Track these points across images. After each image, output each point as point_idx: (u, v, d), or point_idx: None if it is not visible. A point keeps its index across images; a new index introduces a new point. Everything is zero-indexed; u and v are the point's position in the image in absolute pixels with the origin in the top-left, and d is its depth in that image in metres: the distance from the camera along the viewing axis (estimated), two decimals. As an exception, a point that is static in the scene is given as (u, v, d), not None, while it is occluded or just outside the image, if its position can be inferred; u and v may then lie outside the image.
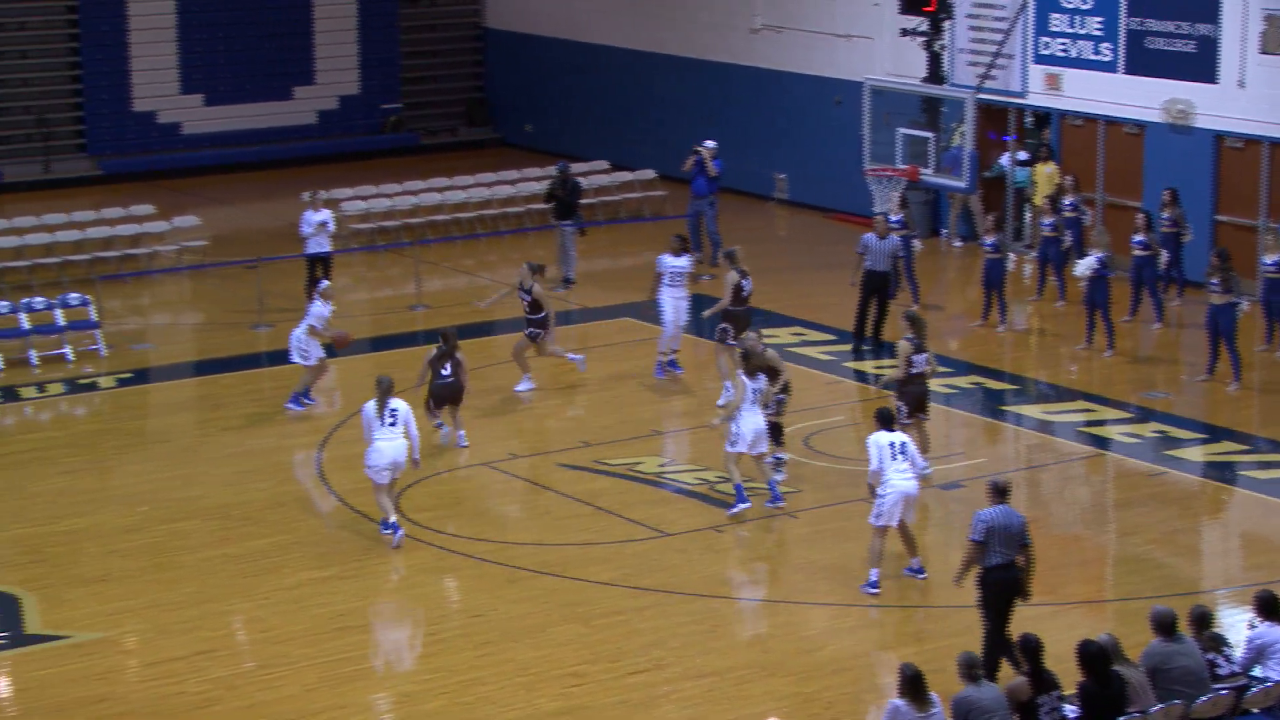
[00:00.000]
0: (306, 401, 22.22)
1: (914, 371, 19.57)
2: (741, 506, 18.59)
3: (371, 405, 18.17)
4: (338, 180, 32.90)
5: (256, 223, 32.36)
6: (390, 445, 18.12)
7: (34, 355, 24.26)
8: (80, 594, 17.12)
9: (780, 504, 18.81)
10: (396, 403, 18.17)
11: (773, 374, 19.23)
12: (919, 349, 19.55)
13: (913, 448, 17.17)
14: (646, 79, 35.88)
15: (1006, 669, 14.47)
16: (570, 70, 37.47)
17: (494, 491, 19.91)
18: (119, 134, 35.98)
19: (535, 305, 22.39)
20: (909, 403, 19.52)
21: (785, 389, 19.52)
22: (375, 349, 25.47)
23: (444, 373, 20.52)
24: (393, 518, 18.22)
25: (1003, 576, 14.81)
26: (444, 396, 20.64)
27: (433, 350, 20.70)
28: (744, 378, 18.62)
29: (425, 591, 17.33)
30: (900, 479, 16.88)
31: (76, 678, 15.46)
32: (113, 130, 35.94)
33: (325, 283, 23.07)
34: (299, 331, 22.04)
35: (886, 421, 17.15)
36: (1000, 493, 14.98)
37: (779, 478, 19.31)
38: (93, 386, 23.53)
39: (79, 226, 29.85)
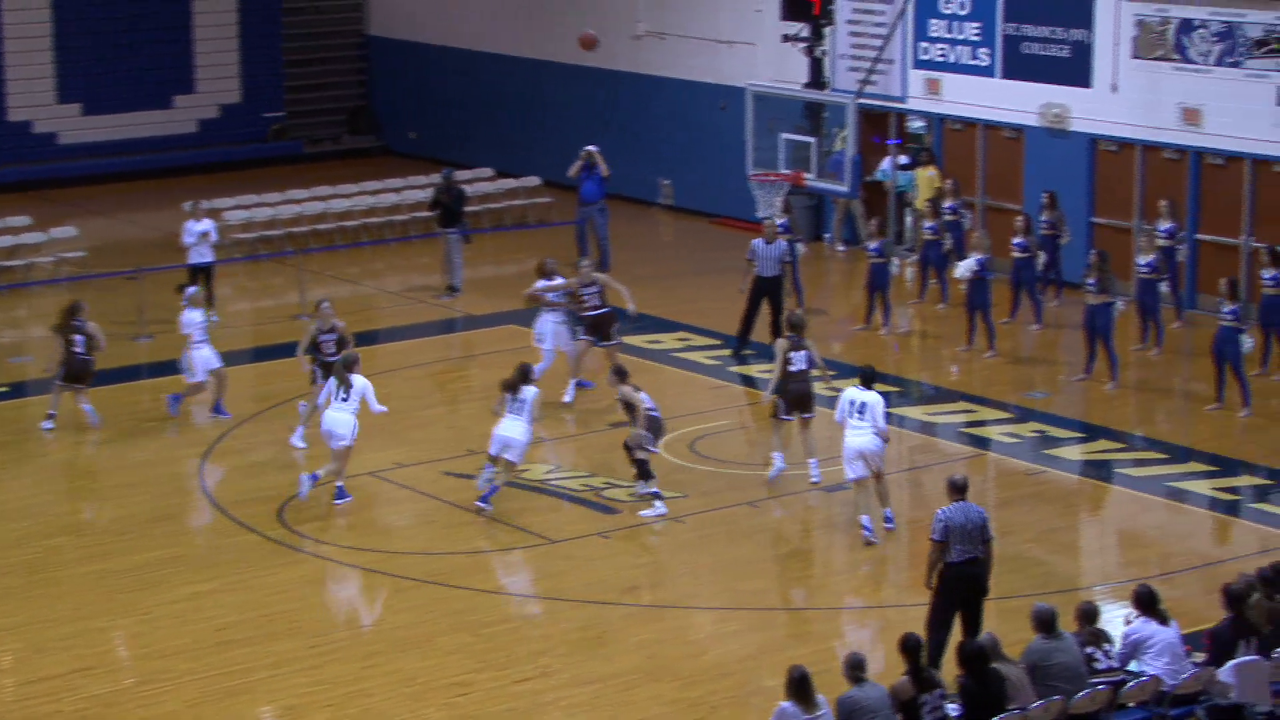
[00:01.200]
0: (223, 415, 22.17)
1: (793, 369, 19.65)
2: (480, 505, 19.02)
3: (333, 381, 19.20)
4: (220, 190, 32.63)
5: (137, 233, 32.01)
6: (330, 415, 19.15)
7: (-91, 370, 23.90)
8: (-44, 612, 16.88)
9: (484, 507, 18.95)
10: (355, 379, 19.19)
11: (629, 409, 19.27)
12: (796, 346, 19.65)
13: (878, 409, 17.99)
14: (531, 86, 35.85)
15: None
16: (454, 77, 37.38)
17: (380, 501, 19.81)
18: (-6, 144, 35.53)
19: None
20: (788, 400, 19.61)
21: (654, 428, 19.12)
22: (258, 359, 25.32)
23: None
24: (320, 472, 19.24)
25: (964, 572, 14.97)
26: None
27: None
28: (506, 390, 19.09)
29: (311, 603, 17.21)
30: (853, 436, 18.01)
31: (-47, 697, 15.26)
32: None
33: (192, 289, 22.96)
34: (197, 352, 22.02)
35: (866, 380, 18.15)
36: (958, 489, 15.15)
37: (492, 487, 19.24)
38: (-30, 401, 23.16)
39: (-46, 239, 29.42)
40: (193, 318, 22.13)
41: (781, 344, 19.76)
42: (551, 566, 17.99)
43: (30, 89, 35.65)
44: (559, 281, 22.81)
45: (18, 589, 17.41)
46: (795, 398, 19.56)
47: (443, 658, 15.84)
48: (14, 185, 34.67)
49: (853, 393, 18.12)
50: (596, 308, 22.50)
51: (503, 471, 19.14)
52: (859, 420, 17.97)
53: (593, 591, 17.33)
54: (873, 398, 18.01)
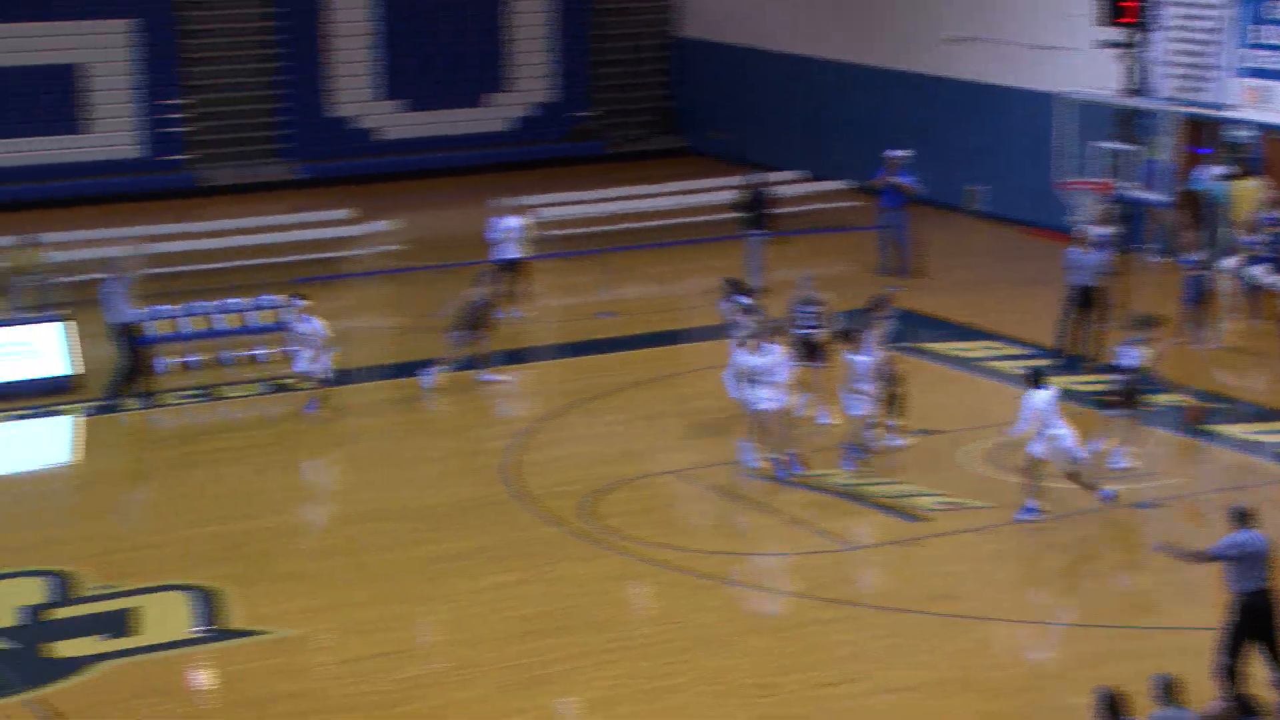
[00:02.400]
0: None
1: (1124, 363, 20.06)
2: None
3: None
4: (528, 187, 33.12)
5: (450, 228, 32.70)
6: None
7: (230, 356, 24.70)
8: (277, 591, 17.36)
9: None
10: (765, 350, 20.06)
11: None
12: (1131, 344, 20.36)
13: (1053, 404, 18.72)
14: (840, 89, 35.71)
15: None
16: (761, 80, 37.42)
17: (682, 500, 19.90)
18: (315, 139, 36.61)
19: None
20: (1120, 398, 20.08)
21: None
22: (566, 355, 25.68)
23: None
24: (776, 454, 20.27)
25: (1255, 603, 14.39)
26: None
27: None
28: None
29: (614, 598, 17.34)
30: (1057, 431, 18.60)
31: (273, 673, 15.70)
32: (309, 135, 36.58)
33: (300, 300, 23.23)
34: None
35: (1040, 380, 18.60)
36: (1243, 518, 14.61)
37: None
38: (289, 388, 23.83)
39: (276, 230, 30.40)
40: (310, 326, 22.74)
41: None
42: (853, 572, 17.87)
43: (351, 86, 36.80)
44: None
45: (336, 571, 17.89)
46: (1125, 394, 20.02)
47: (745, 658, 15.82)
48: (335, 179, 35.80)
49: (1042, 396, 18.54)
50: (811, 328, 21.79)
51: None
52: (1055, 416, 18.58)
53: (894, 599, 17.15)
54: (1054, 393, 18.77)
